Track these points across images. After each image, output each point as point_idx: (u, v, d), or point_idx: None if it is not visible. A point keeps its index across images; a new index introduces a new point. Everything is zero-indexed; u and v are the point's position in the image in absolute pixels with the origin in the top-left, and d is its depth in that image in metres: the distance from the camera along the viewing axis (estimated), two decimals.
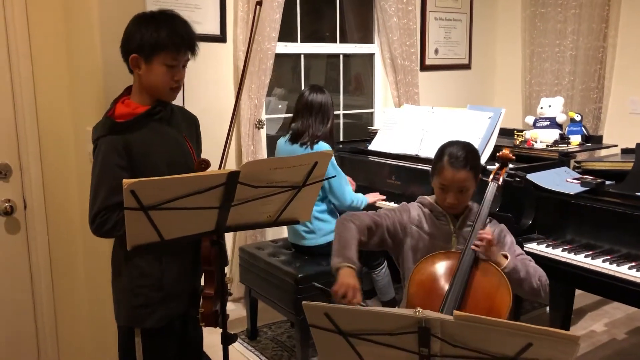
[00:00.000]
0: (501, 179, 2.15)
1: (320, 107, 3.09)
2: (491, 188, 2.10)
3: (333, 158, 3.04)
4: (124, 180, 1.39)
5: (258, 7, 1.91)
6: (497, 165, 2.21)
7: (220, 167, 1.90)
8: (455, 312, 1.30)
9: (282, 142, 3.22)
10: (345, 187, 3.09)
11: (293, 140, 3.10)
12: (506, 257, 1.94)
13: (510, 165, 2.80)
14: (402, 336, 1.39)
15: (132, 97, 1.88)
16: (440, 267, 1.94)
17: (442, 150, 2.05)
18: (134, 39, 1.80)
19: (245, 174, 1.52)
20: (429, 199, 2.14)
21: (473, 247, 1.90)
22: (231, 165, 3.69)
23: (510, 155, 2.21)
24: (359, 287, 1.85)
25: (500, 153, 2.23)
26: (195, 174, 1.49)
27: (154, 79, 1.82)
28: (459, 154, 1.99)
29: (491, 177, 2.15)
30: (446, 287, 1.87)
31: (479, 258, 1.92)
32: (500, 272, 1.89)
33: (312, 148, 3.03)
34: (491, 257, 1.92)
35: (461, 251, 1.93)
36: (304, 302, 1.43)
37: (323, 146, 3.04)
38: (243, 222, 1.71)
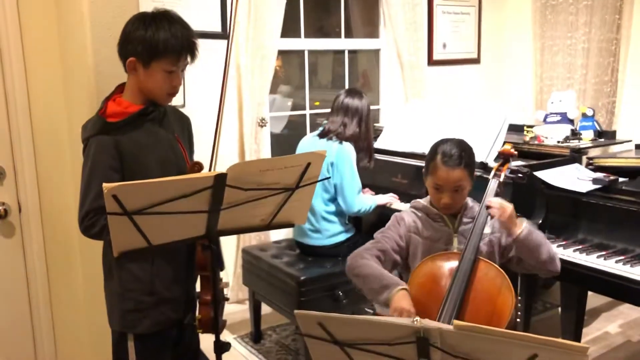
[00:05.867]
0: (502, 176, 2.06)
1: (356, 110, 3.03)
2: (492, 185, 2.03)
3: (354, 164, 2.97)
4: (104, 185, 1.33)
5: None
6: (499, 161, 2.14)
7: (210, 168, 1.83)
8: (455, 322, 1.23)
9: (308, 137, 3.16)
10: (357, 193, 3.00)
11: (322, 135, 3.04)
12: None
13: (520, 163, 2.75)
14: (400, 346, 1.32)
15: (125, 95, 1.82)
16: (440, 269, 1.87)
17: (434, 149, 1.96)
18: (132, 42, 1.73)
19: (233, 176, 1.46)
20: (423, 201, 2.06)
21: (491, 210, 1.85)
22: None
23: (512, 151, 2.14)
24: (414, 311, 1.71)
25: (502, 149, 2.16)
26: (179, 177, 1.43)
27: (151, 84, 1.77)
28: (452, 152, 1.90)
29: (492, 173, 2.07)
30: (446, 289, 1.80)
31: (479, 258, 1.85)
32: (502, 273, 1.82)
33: (341, 143, 2.98)
34: (508, 221, 1.85)
35: (461, 251, 1.86)
36: (295, 312, 1.37)
37: (347, 147, 2.96)
38: (235, 225, 1.64)
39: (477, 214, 1.93)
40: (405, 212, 2.07)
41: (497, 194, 1.99)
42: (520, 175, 2.15)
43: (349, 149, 2.97)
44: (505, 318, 1.74)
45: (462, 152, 1.91)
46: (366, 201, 3.05)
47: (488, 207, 1.89)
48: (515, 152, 2.16)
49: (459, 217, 1.99)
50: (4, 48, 2.29)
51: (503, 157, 2.13)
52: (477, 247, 1.85)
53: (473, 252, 1.83)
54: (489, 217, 1.89)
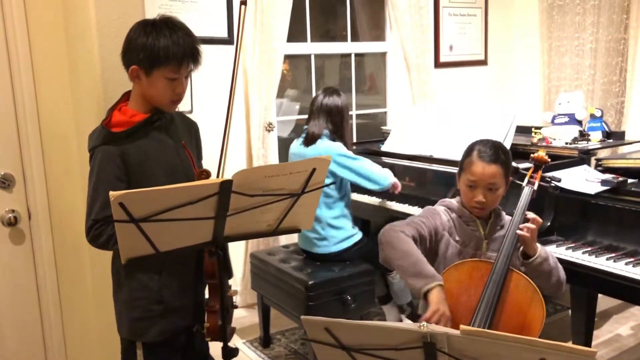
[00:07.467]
0: (536, 184, 1.98)
1: (336, 109, 3.01)
2: (526, 193, 1.95)
3: (349, 152, 2.95)
4: (111, 193, 1.34)
5: (243, 7, 1.83)
6: (531, 167, 2.05)
7: (218, 173, 1.83)
8: (462, 326, 1.22)
9: (296, 144, 3.13)
10: (375, 170, 2.99)
11: (307, 143, 3.01)
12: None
13: (528, 165, 2.72)
14: (407, 351, 1.32)
15: (130, 104, 1.82)
16: (470, 277, 1.82)
17: (471, 147, 1.95)
18: (134, 50, 1.72)
19: (238, 183, 1.46)
20: (455, 203, 2.00)
21: (519, 232, 1.82)
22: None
23: (546, 157, 2.04)
24: (451, 316, 1.69)
25: (536, 155, 2.05)
26: (185, 185, 1.43)
27: (154, 91, 1.75)
28: (489, 149, 1.89)
29: (525, 181, 2.00)
30: (475, 299, 1.76)
31: (511, 269, 1.80)
32: (533, 286, 1.77)
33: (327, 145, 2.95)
34: (531, 244, 1.85)
35: (493, 260, 1.81)
36: (302, 317, 1.37)
37: (334, 146, 2.95)
38: (242, 231, 1.64)
39: (511, 222, 1.87)
40: (440, 209, 2.00)
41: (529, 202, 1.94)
42: (553, 184, 2.06)
43: (335, 146, 2.94)
44: (535, 332, 1.70)
45: (498, 150, 1.90)
46: (384, 171, 3.05)
47: (526, 220, 1.85)
48: (549, 160, 2.07)
49: (490, 223, 1.96)
50: (13, 56, 2.31)
51: (536, 164, 2.05)
52: (509, 257, 1.80)
53: (506, 262, 1.78)
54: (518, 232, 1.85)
